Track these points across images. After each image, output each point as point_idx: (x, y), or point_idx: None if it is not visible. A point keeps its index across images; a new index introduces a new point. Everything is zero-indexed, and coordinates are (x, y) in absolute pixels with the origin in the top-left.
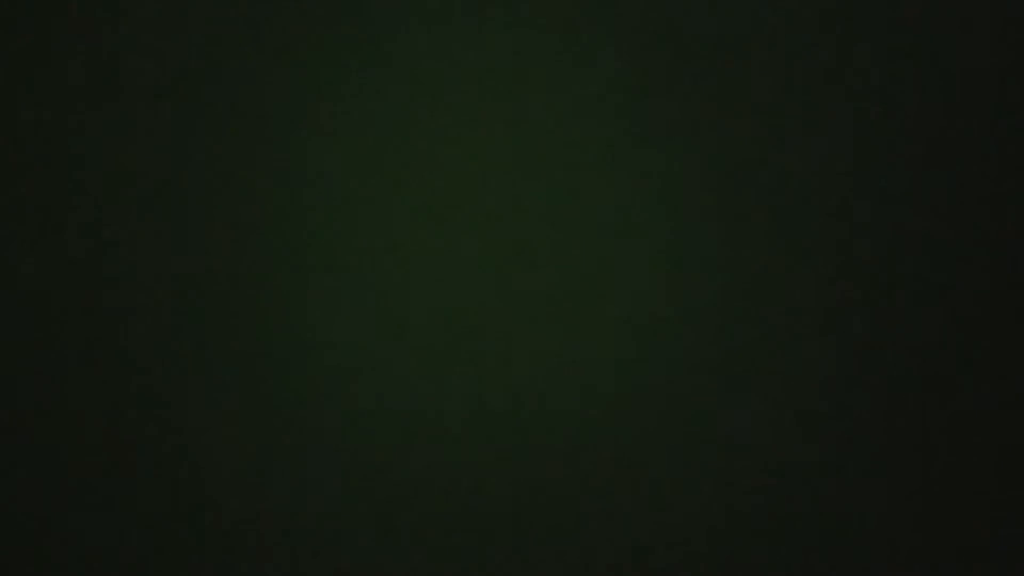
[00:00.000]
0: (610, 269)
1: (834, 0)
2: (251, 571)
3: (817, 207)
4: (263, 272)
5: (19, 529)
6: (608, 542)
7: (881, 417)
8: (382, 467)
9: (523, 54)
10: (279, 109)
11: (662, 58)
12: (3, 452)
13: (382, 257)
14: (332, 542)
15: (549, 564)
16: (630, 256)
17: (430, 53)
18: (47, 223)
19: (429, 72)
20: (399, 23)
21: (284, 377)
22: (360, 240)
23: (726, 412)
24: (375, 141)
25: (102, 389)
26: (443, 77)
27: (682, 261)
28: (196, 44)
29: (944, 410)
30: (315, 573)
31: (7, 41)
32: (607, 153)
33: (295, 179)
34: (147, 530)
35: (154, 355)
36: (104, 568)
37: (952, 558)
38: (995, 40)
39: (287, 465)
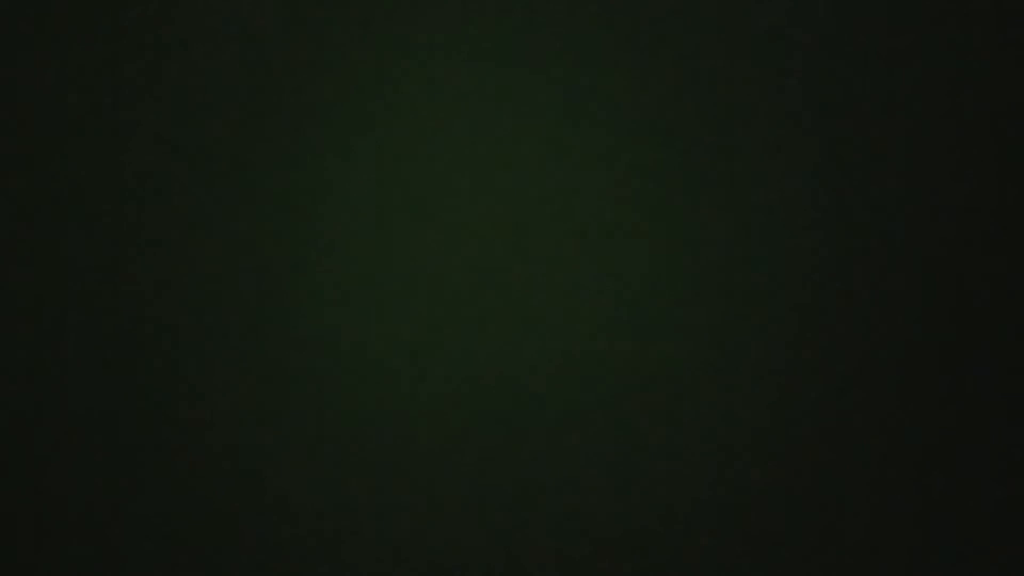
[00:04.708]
0: (608, 269)
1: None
2: (249, 570)
3: (817, 207)
4: (261, 272)
5: (19, 529)
6: (605, 541)
7: (883, 417)
8: (380, 465)
9: (522, 54)
10: (277, 109)
11: (662, 57)
12: (4, 452)
13: (381, 256)
14: (329, 539)
15: (546, 562)
16: (629, 256)
17: (429, 52)
18: (48, 222)
19: (427, 71)
20: (399, 22)
21: (282, 376)
22: (359, 240)
23: (724, 412)
24: (374, 140)
25: (101, 388)
26: (441, 76)
27: (681, 260)
28: (198, 45)
29: (944, 410)
30: (314, 572)
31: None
32: (606, 154)
33: (293, 179)
34: (146, 528)
35: (153, 354)
36: (102, 568)
37: (952, 558)
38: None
39: (286, 463)
